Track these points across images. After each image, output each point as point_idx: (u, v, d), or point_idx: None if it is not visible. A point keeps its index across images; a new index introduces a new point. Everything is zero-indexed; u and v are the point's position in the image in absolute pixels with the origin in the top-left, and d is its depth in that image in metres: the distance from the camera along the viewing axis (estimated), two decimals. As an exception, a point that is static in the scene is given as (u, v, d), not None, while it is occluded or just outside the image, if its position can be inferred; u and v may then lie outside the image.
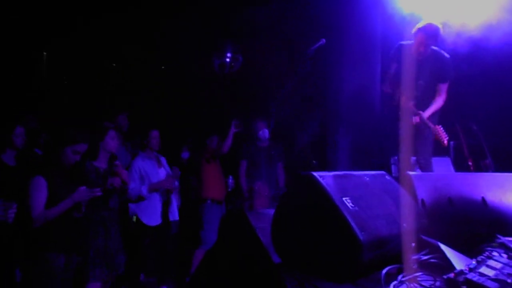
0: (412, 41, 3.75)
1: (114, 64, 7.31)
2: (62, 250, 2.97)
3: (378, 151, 5.29)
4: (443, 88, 3.66)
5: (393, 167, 4.78)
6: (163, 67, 7.35)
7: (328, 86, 5.27)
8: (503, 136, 4.92)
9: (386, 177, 2.52)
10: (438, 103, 3.64)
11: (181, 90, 6.51)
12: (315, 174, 1.98)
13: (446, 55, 3.71)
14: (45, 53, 7.01)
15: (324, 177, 2.00)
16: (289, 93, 4.49)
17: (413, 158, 4.46)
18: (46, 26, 5.92)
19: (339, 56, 5.00)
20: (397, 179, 2.65)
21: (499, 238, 1.98)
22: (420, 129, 3.71)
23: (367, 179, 2.34)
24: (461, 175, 2.92)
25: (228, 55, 6.44)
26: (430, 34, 3.59)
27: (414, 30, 3.71)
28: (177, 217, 4.52)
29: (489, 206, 2.39)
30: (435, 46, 3.68)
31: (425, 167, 3.78)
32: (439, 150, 4.15)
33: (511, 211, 2.40)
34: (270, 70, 5.30)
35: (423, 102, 3.65)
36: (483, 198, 2.39)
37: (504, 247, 1.90)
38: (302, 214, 2.03)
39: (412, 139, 3.78)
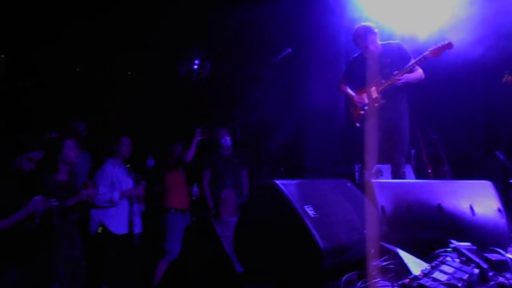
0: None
1: (78, 69, 7.10)
2: (14, 262, 2.82)
3: (344, 158, 5.40)
4: (414, 69, 3.76)
5: (357, 174, 4.88)
6: (129, 73, 7.21)
7: (295, 95, 5.35)
8: (460, 145, 5.14)
9: (348, 184, 2.57)
10: (416, 74, 3.72)
11: (147, 96, 6.40)
12: (278, 182, 1.99)
13: (395, 41, 3.84)
14: (2, 55, 6.72)
15: (287, 185, 2.02)
16: (256, 101, 4.52)
17: (377, 166, 4.59)
18: (4, 28, 5.68)
19: (305, 65, 5.09)
20: (360, 186, 2.71)
21: (453, 243, 2.06)
22: (390, 130, 3.76)
23: (329, 186, 2.38)
24: (419, 182, 3.02)
25: (196, 62, 6.40)
26: (362, 33, 3.76)
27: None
28: (139, 229, 4.40)
29: (444, 212, 2.48)
30: (378, 41, 3.80)
31: (398, 170, 3.81)
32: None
33: (465, 216, 2.51)
34: (237, 78, 5.32)
35: (390, 96, 3.72)
36: (439, 205, 2.48)
37: (457, 252, 1.97)
38: (264, 222, 2.03)
39: (377, 144, 3.86)
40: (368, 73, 3.83)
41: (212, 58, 6.08)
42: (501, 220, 2.53)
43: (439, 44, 3.48)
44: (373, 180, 2.72)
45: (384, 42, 3.86)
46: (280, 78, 4.78)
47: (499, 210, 2.55)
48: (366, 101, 3.87)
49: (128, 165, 4.70)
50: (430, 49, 3.54)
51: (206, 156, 5.02)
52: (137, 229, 4.33)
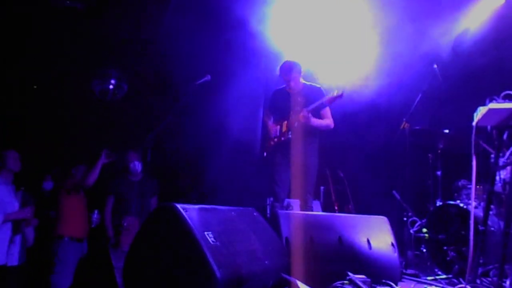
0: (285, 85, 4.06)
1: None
2: None
3: (257, 191, 5.41)
4: (325, 113, 3.93)
5: (268, 207, 4.90)
6: (35, 87, 6.59)
7: (212, 123, 5.29)
8: (365, 183, 5.46)
9: (254, 213, 2.52)
10: (323, 122, 3.88)
11: (53, 112, 5.87)
12: (178, 205, 1.87)
13: (317, 85, 4.05)
14: None
15: (187, 209, 1.90)
16: (171, 126, 4.37)
17: (287, 200, 4.65)
18: None
19: (225, 93, 5.11)
20: (271, 220, 2.67)
21: (349, 275, 2.10)
22: (299, 167, 3.85)
23: (234, 214, 2.30)
24: (322, 215, 3.09)
25: (112, 81, 6.08)
26: (287, 68, 3.95)
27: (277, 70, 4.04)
28: (16, 261, 3.85)
29: (344, 245, 2.55)
30: (301, 79, 3.99)
31: (306, 205, 3.89)
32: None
33: (362, 250, 2.60)
34: (153, 101, 5.13)
35: (301, 133, 3.84)
36: (339, 238, 2.55)
37: (353, 283, 2.01)
38: (160, 249, 1.87)
39: (288, 178, 3.93)
40: (285, 107, 3.96)
41: (129, 80, 5.83)
42: (394, 255, 2.67)
43: (333, 94, 3.73)
44: (279, 211, 2.73)
45: (307, 83, 4.03)
46: (197, 105, 4.72)
47: (392, 245, 2.69)
48: (278, 133, 3.98)
49: (22, 187, 4.18)
50: (327, 96, 3.79)
51: (111, 180, 4.64)
52: (14, 261, 3.78)
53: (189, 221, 1.81)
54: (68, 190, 4.44)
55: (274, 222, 2.56)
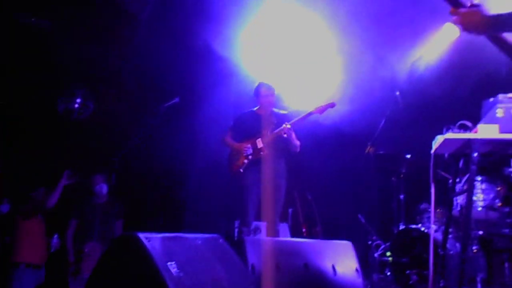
0: (257, 107, 4.10)
1: None
2: None
3: (225, 214, 5.37)
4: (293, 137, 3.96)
5: (236, 230, 4.87)
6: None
7: (180, 146, 5.23)
8: (332, 207, 5.54)
9: (220, 241, 2.49)
10: (297, 142, 3.90)
11: (14, 131, 5.63)
12: (140, 235, 1.83)
13: (285, 111, 4.10)
14: None
15: (151, 239, 1.86)
16: (139, 147, 4.30)
17: (255, 223, 4.64)
18: None
19: (194, 118, 5.09)
20: (239, 243, 2.65)
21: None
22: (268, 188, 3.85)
23: (199, 242, 2.26)
24: (289, 241, 3.10)
25: (78, 100, 5.93)
26: (261, 89, 4.01)
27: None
28: None
29: (310, 271, 2.55)
30: (273, 102, 4.04)
31: (273, 227, 3.88)
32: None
33: (328, 276, 2.62)
34: (120, 122, 5.03)
35: (271, 154, 3.85)
36: (305, 264, 2.56)
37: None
38: (121, 278, 1.82)
39: (257, 200, 3.92)
40: (256, 127, 3.96)
41: (96, 99, 5.70)
42: (358, 280, 2.70)
43: (324, 103, 3.81)
44: (246, 237, 2.71)
45: (275, 110, 4.08)
46: (166, 127, 4.67)
47: (357, 270, 2.73)
48: (251, 151, 3.96)
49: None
50: (316, 106, 3.84)
51: (74, 203, 4.47)
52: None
53: (151, 251, 1.77)
54: (26, 214, 4.23)
55: (240, 248, 2.54)
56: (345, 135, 5.16)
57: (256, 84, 4.06)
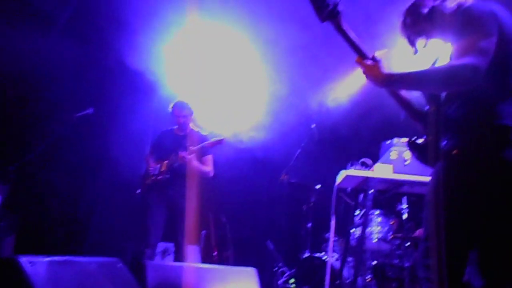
0: (176, 126, 4.06)
1: None
2: None
3: (134, 235, 5.12)
4: (206, 161, 3.94)
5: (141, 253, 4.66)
6: None
7: (89, 159, 4.92)
8: (245, 231, 5.59)
9: (118, 265, 2.37)
10: (203, 167, 3.86)
11: None
12: (22, 259, 1.67)
13: (204, 133, 4.09)
14: None
15: (35, 263, 1.71)
16: (42, 158, 3.95)
17: (163, 244, 4.49)
18: None
19: (108, 132, 4.84)
20: (137, 270, 2.53)
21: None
22: (175, 210, 3.77)
23: (94, 266, 2.13)
24: (192, 268, 3.04)
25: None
26: (178, 108, 3.96)
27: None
28: None
29: (211, 299, 2.53)
30: (191, 123, 4.02)
31: (180, 250, 3.78)
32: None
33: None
34: (21, 130, 4.57)
35: (180, 176, 3.79)
36: (206, 291, 2.53)
37: None
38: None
39: (162, 221, 3.83)
40: (171, 147, 3.91)
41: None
42: (258, 308, 2.73)
43: (215, 139, 3.86)
44: (147, 261, 2.62)
45: (196, 129, 4.05)
46: (75, 138, 4.38)
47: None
48: (157, 171, 3.92)
49: None
50: (210, 140, 3.88)
51: None
52: None
53: (33, 278, 1.62)
54: None
55: (140, 273, 2.44)
56: (262, 161, 5.30)
57: (172, 104, 4.02)
